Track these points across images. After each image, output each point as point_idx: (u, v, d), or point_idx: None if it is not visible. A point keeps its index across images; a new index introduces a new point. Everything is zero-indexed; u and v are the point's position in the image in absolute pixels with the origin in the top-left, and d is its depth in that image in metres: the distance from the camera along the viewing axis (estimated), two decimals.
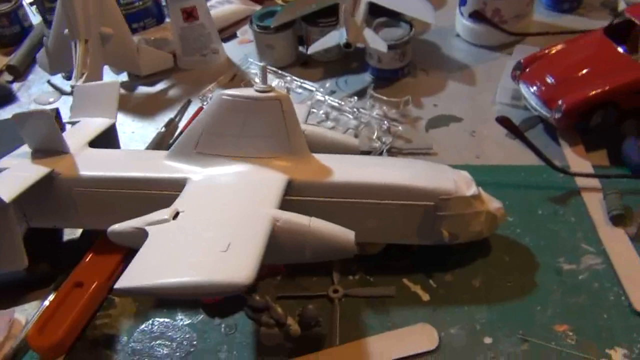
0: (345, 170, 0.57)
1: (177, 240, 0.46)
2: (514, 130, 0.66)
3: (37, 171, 0.57)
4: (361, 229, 0.53)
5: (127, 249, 0.63)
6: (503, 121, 0.66)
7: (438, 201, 0.55)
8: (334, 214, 0.53)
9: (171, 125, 0.83)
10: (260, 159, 0.57)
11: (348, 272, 0.61)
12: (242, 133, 0.57)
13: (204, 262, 0.42)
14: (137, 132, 0.85)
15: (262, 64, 0.56)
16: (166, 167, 0.59)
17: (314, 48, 0.84)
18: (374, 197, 0.56)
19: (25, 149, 0.62)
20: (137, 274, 0.42)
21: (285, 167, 0.56)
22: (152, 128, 0.85)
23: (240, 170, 0.56)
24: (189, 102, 0.87)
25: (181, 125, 0.83)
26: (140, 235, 0.49)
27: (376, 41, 0.81)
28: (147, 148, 0.78)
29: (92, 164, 0.60)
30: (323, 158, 0.59)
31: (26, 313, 0.61)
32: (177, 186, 0.56)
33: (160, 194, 0.57)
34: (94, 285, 0.59)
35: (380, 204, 0.56)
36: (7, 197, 0.51)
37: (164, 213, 0.50)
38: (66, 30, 0.85)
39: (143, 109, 0.89)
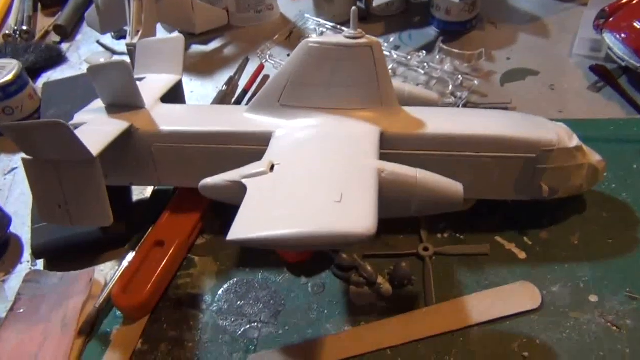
0: (439, 121, 0.54)
1: (282, 192, 0.44)
2: (610, 79, 0.62)
3: (116, 125, 0.54)
4: None
5: (204, 207, 0.61)
6: (598, 70, 0.62)
7: (540, 153, 0.52)
8: (427, 168, 0.50)
9: (232, 83, 0.80)
10: (348, 110, 0.54)
11: (436, 230, 0.59)
12: (330, 83, 0.53)
13: (321, 213, 0.40)
14: (196, 92, 0.82)
15: (354, 8, 0.52)
16: (249, 120, 0.56)
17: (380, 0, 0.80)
18: (471, 149, 0.53)
19: (98, 104, 0.60)
20: (249, 226, 0.40)
21: (376, 118, 0.53)
22: (210, 87, 0.82)
23: (329, 122, 0.53)
24: (247, 60, 0.84)
25: (241, 83, 0.81)
26: (236, 189, 0.47)
27: None
28: None
29: (170, 119, 0.57)
30: (413, 110, 0.56)
31: (103, 274, 0.59)
32: (262, 140, 0.54)
33: (244, 148, 0.55)
34: (175, 244, 0.57)
35: (478, 157, 0.53)
36: (94, 151, 0.49)
37: (260, 165, 0.48)
38: None
39: (199, 68, 0.86)
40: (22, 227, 0.66)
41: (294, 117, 0.54)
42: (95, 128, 0.54)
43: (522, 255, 0.56)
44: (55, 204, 0.52)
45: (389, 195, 0.46)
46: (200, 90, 0.82)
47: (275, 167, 0.48)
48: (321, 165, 0.47)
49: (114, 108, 0.59)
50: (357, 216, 0.39)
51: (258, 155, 0.51)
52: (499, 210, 0.58)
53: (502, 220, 0.58)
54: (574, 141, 0.54)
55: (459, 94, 0.72)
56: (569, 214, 0.58)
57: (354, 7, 0.52)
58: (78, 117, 0.58)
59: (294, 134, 0.53)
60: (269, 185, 0.45)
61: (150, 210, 0.63)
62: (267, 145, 0.53)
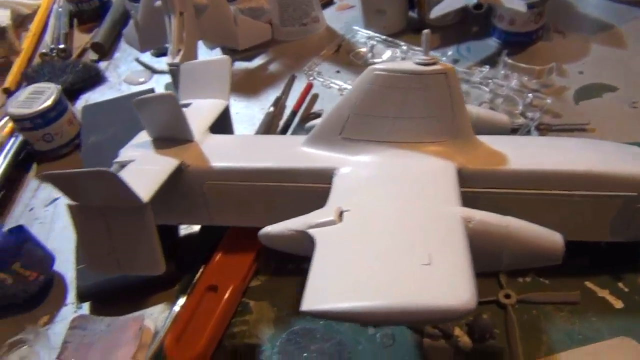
0: (523, 154, 0.48)
1: (358, 249, 0.39)
2: None
3: (166, 164, 0.50)
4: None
5: (258, 248, 0.56)
6: None
7: None
8: (509, 208, 0.44)
9: (279, 104, 0.75)
10: (419, 144, 0.48)
11: (517, 274, 0.53)
12: (398, 114, 0.48)
13: (408, 281, 0.34)
14: (241, 113, 0.77)
15: (426, 31, 0.46)
16: (307, 155, 0.51)
17: (438, 10, 0.74)
18: (562, 187, 0.47)
19: (144, 136, 0.56)
20: (325, 294, 0.35)
21: (450, 153, 0.48)
22: (256, 108, 0.78)
23: (399, 158, 0.48)
24: (293, 78, 0.79)
25: (289, 103, 0.76)
26: (301, 240, 0.42)
27: None
28: (259, 130, 0.71)
29: (222, 154, 0.53)
30: (490, 141, 0.50)
31: (153, 318, 0.55)
32: (323, 178, 0.49)
33: (304, 186, 0.50)
34: (230, 290, 0.53)
35: (569, 196, 0.47)
36: (145, 196, 0.44)
37: (328, 213, 0.42)
38: (158, 2, 0.78)
39: (244, 87, 0.81)
40: (66, 265, 0.62)
41: (358, 152, 0.49)
42: (144, 168, 0.50)
43: (618, 304, 0.49)
44: (104, 252, 0.48)
45: (477, 248, 0.40)
46: (246, 112, 0.77)
47: (345, 215, 0.42)
48: (397, 213, 0.41)
49: (161, 142, 0.54)
50: (454, 285, 0.33)
51: (319, 194, 0.47)
52: (588, 250, 0.52)
53: (592, 262, 0.52)
54: None
55: (529, 114, 0.66)
56: None
57: (426, 30, 0.47)
58: (124, 154, 0.54)
59: (359, 172, 0.48)
60: (341, 239, 0.40)
61: (200, 247, 0.59)
62: (328, 183, 0.48)
